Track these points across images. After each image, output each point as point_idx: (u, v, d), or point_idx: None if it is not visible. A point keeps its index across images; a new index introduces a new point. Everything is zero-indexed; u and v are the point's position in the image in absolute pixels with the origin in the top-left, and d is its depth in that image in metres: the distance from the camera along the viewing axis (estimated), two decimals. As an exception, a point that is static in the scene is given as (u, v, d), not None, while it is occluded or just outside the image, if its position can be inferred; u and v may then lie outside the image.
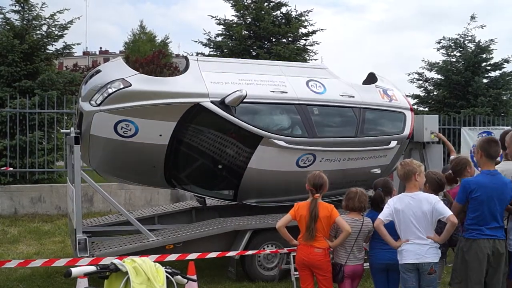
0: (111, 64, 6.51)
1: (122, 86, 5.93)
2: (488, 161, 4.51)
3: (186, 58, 6.89)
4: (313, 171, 4.99)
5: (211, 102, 6.21)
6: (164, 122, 6.14)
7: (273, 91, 6.65)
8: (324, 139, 6.83)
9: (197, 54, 17.56)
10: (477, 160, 4.63)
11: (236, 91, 6.18)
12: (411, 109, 7.74)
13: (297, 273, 5.88)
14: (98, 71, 6.30)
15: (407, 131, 7.57)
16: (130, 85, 5.95)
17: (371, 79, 7.98)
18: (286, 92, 6.71)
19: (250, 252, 6.01)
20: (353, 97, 7.17)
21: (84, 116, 6.03)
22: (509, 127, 12.41)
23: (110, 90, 5.92)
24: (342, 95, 7.10)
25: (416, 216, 4.39)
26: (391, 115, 7.56)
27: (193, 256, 5.35)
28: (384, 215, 4.51)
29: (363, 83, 8.04)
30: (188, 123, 6.31)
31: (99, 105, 5.91)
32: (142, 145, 6.18)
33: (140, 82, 6.05)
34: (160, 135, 6.20)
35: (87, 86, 6.19)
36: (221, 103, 6.21)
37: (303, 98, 6.81)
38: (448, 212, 4.31)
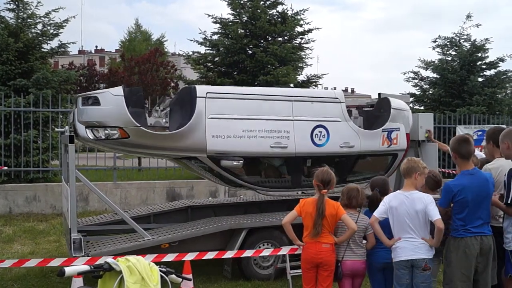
0: (111, 99, 6.04)
1: (120, 137, 6.07)
2: (463, 161, 4.54)
3: (194, 88, 6.48)
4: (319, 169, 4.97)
5: (207, 156, 6.39)
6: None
7: (273, 146, 6.59)
8: (306, 188, 6.86)
9: (193, 53, 17.56)
10: (455, 161, 4.68)
11: (234, 161, 6.43)
12: (407, 148, 7.65)
13: (293, 271, 5.89)
14: (97, 101, 6.05)
15: (391, 172, 7.63)
16: (129, 136, 6.05)
17: (385, 107, 7.58)
18: (286, 147, 6.64)
19: (248, 254, 5.95)
20: (353, 146, 7.03)
21: (79, 136, 6.22)
22: (503, 126, 12.44)
23: (107, 132, 6.05)
24: (342, 146, 6.96)
25: (409, 214, 4.43)
26: (383, 158, 7.55)
27: (189, 257, 5.34)
28: (379, 212, 4.54)
29: (375, 107, 7.82)
30: (181, 160, 6.71)
31: (96, 140, 6.12)
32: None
33: (139, 136, 6.09)
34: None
35: (84, 112, 6.08)
36: (218, 161, 6.44)
37: (301, 152, 6.75)
38: (436, 216, 4.34)
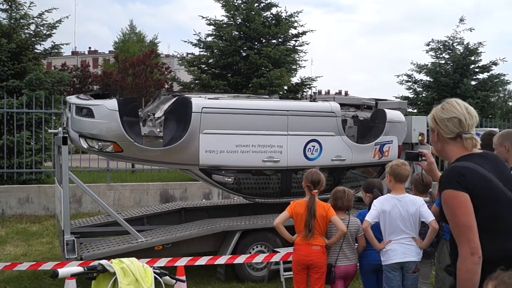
0: (105, 113, 5.98)
1: (113, 150, 6.14)
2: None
3: (190, 102, 6.31)
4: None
5: (200, 169, 6.48)
6: None
7: (265, 160, 6.62)
8: (293, 197, 6.89)
9: (187, 54, 17.55)
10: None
11: (225, 178, 6.55)
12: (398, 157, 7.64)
13: (286, 273, 5.89)
14: (91, 113, 6.01)
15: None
16: (122, 151, 6.12)
17: (380, 119, 7.52)
18: (278, 161, 6.67)
19: (241, 260, 5.90)
20: (344, 160, 7.05)
21: (73, 141, 6.27)
22: (496, 129, 12.50)
23: (100, 145, 6.14)
24: (333, 159, 6.97)
25: (402, 217, 4.44)
26: (370, 169, 7.62)
27: (181, 262, 5.32)
28: (371, 217, 4.53)
29: (371, 117, 7.79)
30: None
31: (89, 148, 6.23)
32: None
33: (133, 150, 6.14)
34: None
35: (78, 122, 6.07)
36: (209, 173, 6.55)
37: (293, 165, 6.79)
38: (430, 217, 4.38)
